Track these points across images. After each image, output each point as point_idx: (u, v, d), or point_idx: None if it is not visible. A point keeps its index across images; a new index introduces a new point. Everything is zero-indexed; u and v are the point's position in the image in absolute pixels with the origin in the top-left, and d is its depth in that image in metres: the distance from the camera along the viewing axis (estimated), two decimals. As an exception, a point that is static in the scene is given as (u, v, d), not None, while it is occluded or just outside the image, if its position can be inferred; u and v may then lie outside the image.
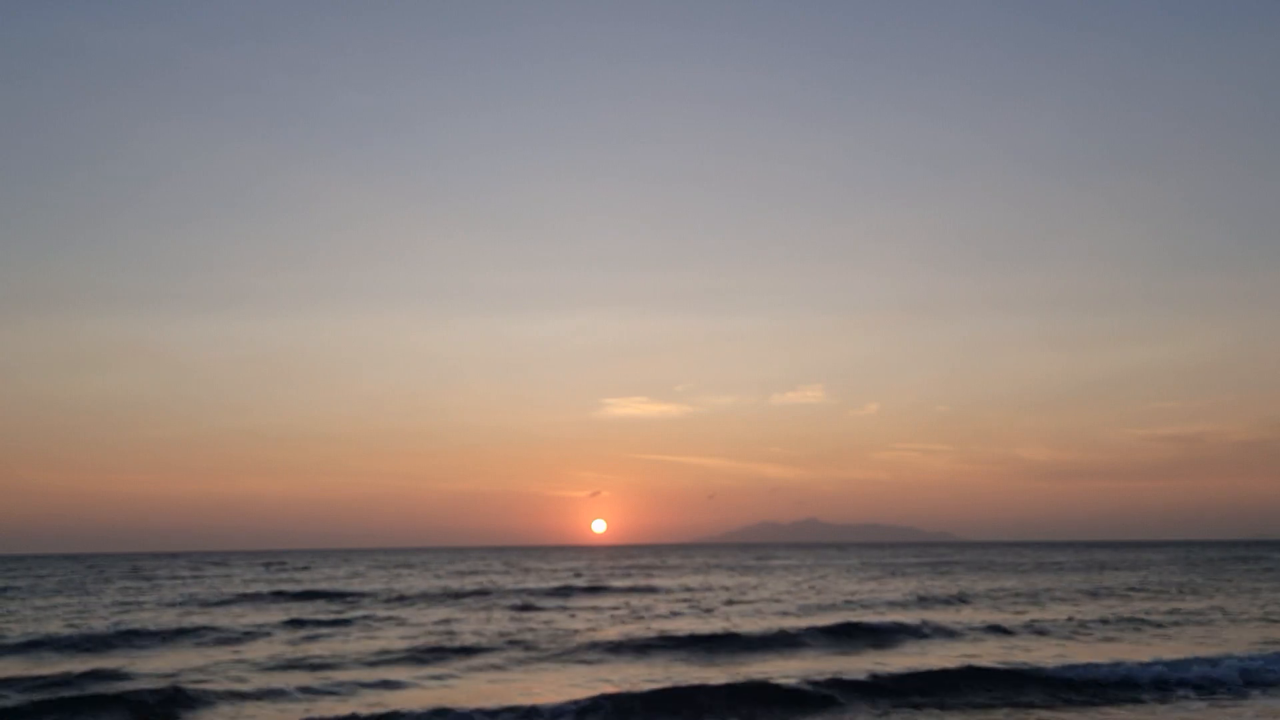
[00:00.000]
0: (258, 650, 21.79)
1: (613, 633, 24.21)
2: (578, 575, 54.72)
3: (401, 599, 36.96)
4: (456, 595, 38.53)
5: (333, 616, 29.57)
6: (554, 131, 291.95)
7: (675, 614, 29.69)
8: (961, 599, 34.91)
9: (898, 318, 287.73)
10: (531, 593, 39.38)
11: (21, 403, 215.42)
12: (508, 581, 49.18)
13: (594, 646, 21.96)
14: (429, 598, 37.47)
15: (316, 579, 53.81)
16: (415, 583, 48.35)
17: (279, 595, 39.28)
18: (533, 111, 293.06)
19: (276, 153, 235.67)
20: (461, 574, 59.82)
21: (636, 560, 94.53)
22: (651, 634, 23.46)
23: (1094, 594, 37.83)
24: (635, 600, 35.61)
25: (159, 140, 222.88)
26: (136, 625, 26.60)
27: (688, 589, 42.30)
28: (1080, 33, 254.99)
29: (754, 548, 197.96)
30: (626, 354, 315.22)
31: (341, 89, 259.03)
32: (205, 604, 35.22)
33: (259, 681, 17.57)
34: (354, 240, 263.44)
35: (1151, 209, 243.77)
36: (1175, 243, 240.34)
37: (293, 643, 23.15)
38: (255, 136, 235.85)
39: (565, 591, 40.01)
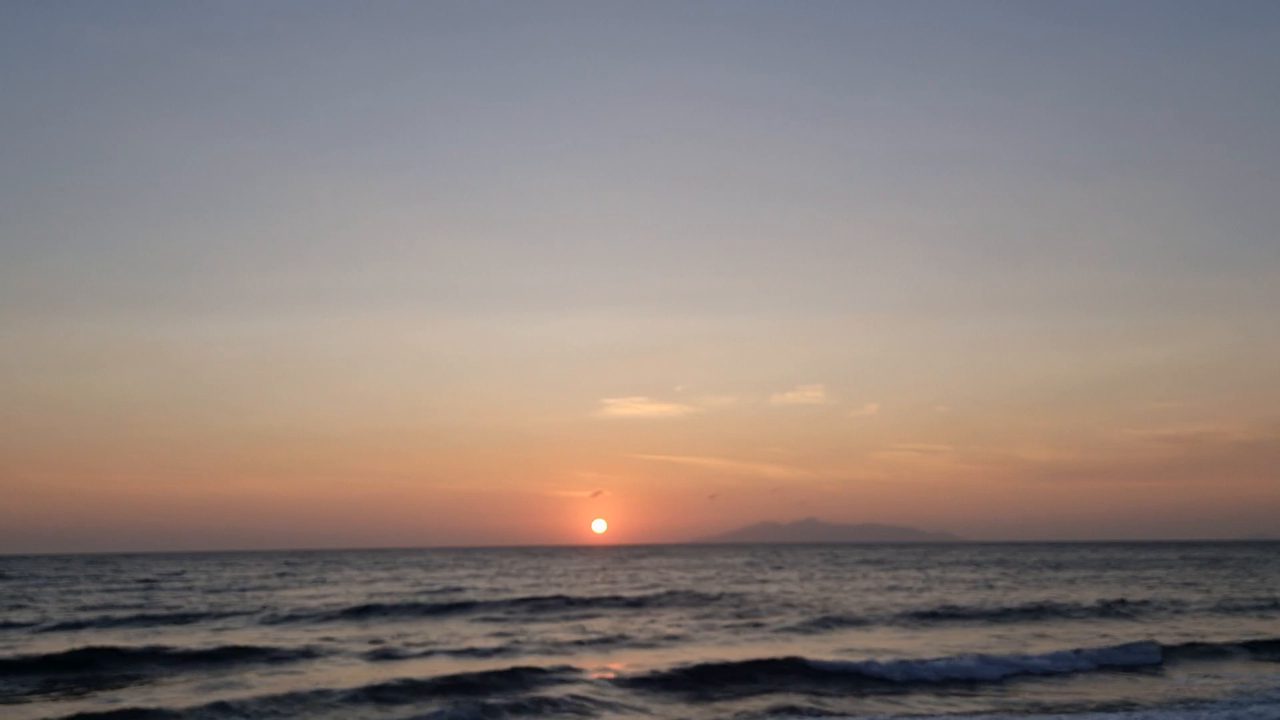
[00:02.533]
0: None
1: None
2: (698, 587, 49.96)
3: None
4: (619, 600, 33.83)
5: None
6: (554, 131, 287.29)
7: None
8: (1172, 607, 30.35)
9: (898, 318, 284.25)
10: (652, 602, 34.67)
11: (21, 403, 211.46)
12: (600, 587, 44.59)
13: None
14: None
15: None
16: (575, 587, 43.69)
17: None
18: (532, 111, 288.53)
19: (276, 153, 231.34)
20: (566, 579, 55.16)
21: (689, 560, 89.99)
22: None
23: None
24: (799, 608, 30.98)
25: (159, 140, 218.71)
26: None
27: (793, 593, 37.70)
28: (1082, 32, 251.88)
29: (760, 547, 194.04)
30: (626, 354, 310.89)
31: (341, 89, 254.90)
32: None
33: None
34: (354, 240, 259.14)
35: (1152, 209, 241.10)
36: (1175, 243, 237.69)
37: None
38: (255, 136, 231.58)
39: (696, 598, 35.30)
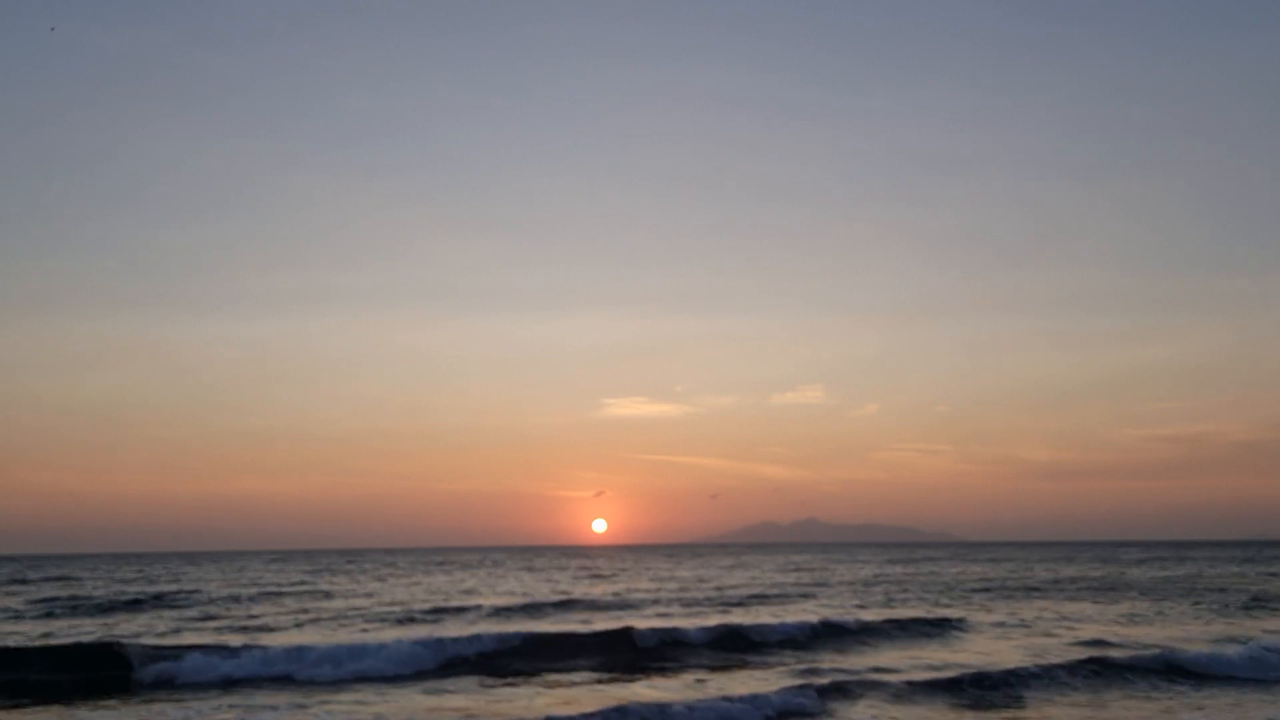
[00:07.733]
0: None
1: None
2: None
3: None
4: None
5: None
6: (554, 131, 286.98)
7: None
8: None
9: (898, 318, 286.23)
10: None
11: (21, 403, 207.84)
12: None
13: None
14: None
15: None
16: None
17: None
18: (532, 110, 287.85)
19: (276, 153, 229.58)
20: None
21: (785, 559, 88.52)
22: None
23: None
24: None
25: (159, 140, 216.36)
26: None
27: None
28: (1082, 32, 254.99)
29: (764, 547, 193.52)
30: (626, 354, 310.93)
31: (341, 89, 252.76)
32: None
33: None
34: (353, 240, 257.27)
35: (1152, 209, 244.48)
36: (1175, 243, 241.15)
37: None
38: (255, 136, 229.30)
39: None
